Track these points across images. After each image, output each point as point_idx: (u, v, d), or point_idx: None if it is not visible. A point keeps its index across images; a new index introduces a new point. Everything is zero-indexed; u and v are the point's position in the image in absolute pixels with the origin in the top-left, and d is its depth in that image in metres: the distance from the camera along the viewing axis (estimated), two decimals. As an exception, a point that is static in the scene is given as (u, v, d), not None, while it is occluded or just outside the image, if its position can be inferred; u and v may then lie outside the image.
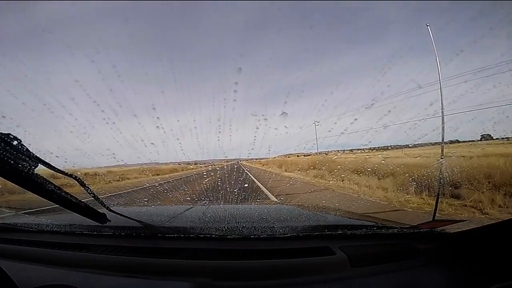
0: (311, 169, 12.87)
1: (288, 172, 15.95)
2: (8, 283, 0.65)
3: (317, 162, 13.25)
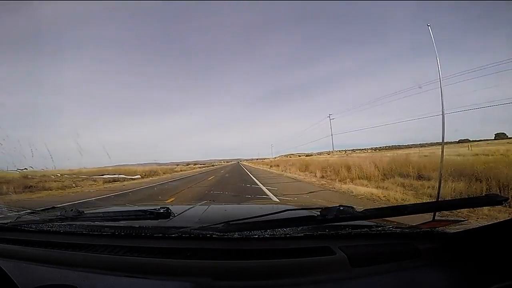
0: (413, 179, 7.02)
1: (350, 184, 8.36)
2: (8, 283, 0.66)
3: (397, 164, 7.86)
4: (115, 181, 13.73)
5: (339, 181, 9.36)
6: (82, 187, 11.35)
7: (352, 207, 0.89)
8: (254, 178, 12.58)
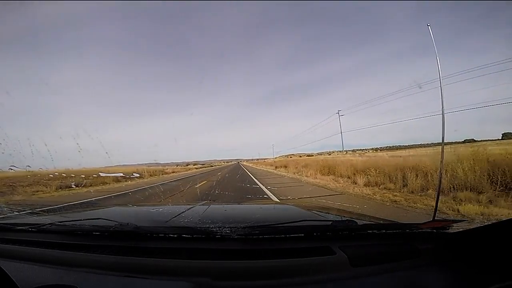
0: None
1: (461, 204, 4.17)
2: (8, 283, 0.65)
3: None
4: (77, 186, 10.57)
5: (411, 192, 5.87)
6: (19, 194, 8.58)
7: (355, 221, 0.97)
8: (262, 187, 8.46)
